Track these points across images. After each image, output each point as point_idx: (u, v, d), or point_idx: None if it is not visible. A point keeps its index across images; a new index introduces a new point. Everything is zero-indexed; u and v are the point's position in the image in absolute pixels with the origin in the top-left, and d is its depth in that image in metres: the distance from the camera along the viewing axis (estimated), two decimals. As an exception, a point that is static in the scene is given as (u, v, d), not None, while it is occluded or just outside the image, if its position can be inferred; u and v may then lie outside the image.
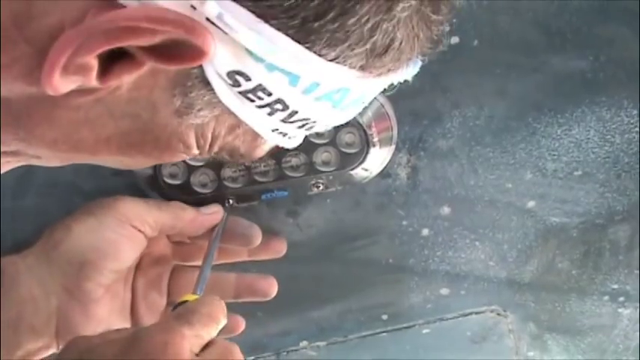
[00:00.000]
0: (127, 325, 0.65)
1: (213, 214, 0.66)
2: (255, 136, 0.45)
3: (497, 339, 0.81)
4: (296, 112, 0.42)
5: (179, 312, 0.51)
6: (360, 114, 0.64)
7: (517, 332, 0.81)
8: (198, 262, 0.67)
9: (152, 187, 0.66)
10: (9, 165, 0.46)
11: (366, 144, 0.65)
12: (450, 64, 0.64)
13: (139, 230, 0.63)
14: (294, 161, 0.66)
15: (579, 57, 0.65)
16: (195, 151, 0.45)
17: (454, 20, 0.62)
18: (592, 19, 0.64)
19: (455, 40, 0.64)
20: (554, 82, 0.66)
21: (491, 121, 0.67)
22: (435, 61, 0.63)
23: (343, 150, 0.66)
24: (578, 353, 0.83)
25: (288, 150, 0.65)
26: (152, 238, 0.65)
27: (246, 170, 0.66)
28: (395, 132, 0.66)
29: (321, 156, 0.66)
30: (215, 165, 0.66)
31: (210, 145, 0.44)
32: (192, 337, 0.47)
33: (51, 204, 0.67)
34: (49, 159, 0.45)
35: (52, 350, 0.62)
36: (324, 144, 0.66)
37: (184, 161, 0.66)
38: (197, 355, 0.48)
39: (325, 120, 0.45)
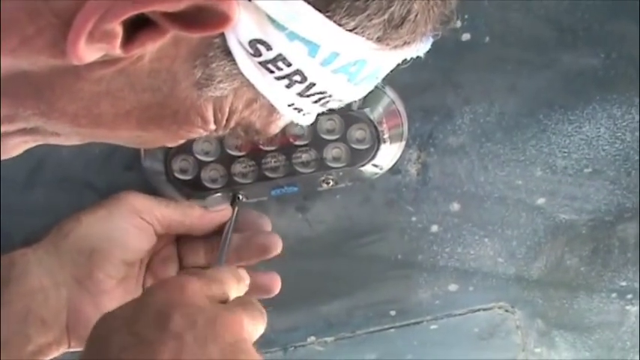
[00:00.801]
0: None
1: (222, 211, 0.66)
2: (271, 111, 0.45)
3: (505, 335, 0.82)
4: (313, 85, 0.43)
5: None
6: (371, 110, 0.64)
7: (525, 329, 0.81)
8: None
9: (163, 182, 0.66)
10: (26, 145, 0.46)
11: (377, 140, 0.65)
12: (461, 60, 0.64)
13: (148, 223, 0.63)
14: (305, 157, 0.66)
15: (590, 54, 0.65)
16: (212, 126, 0.45)
17: (466, 17, 0.62)
18: (603, 17, 0.64)
19: (466, 36, 0.64)
20: (565, 79, 0.66)
21: (501, 118, 0.67)
22: (446, 57, 0.64)
23: (353, 146, 0.66)
24: (586, 350, 0.84)
25: (298, 146, 0.66)
26: (160, 240, 0.65)
27: (256, 166, 0.66)
28: (405, 128, 0.67)
29: (331, 152, 0.66)
30: (225, 160, 0.66)
31: (227, 120, 0.45)
32: (203, 286, 0.49)
33: (61, 199, 0.67)
34: (68, 135, 0.45)
35: (63, 348, 0.61)
36: (335, 140, 0.65)
37: (195, 156, 0.66)
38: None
39: (340, 94, 0.45)
